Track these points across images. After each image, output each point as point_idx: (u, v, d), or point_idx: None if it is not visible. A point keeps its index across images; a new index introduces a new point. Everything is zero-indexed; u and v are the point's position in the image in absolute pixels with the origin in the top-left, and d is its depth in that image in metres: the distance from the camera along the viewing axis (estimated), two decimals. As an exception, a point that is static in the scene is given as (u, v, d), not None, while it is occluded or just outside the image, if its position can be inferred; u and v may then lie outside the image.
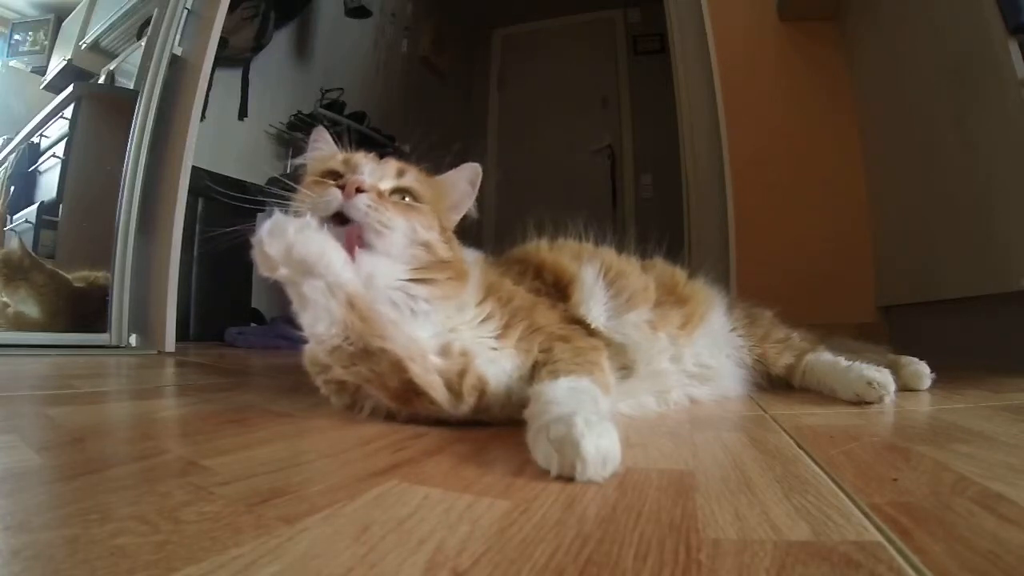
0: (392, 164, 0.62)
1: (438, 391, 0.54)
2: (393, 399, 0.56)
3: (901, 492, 0.36)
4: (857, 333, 1.09)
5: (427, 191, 0.63)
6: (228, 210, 2.25)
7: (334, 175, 0.60)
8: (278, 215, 0.51)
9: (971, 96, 1.31)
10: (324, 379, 0.63)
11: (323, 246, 0.50)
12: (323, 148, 0.68)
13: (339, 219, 0.55)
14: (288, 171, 2.79)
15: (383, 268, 0.56)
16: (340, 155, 0.63)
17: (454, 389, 0.55)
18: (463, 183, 0.67)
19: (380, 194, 0.58)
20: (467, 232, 0.70)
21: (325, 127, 0.71)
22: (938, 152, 1.47)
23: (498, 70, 4.38)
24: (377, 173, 0.60)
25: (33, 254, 1.88)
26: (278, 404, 0.72)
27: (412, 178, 0.62)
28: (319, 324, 0.51)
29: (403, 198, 0.60)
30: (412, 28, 3.77)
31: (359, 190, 0.55)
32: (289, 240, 0.49)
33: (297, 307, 0.53)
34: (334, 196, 0.55)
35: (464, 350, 0.57)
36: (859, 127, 1.90)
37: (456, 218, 0.68)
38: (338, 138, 0.69)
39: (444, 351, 0.57)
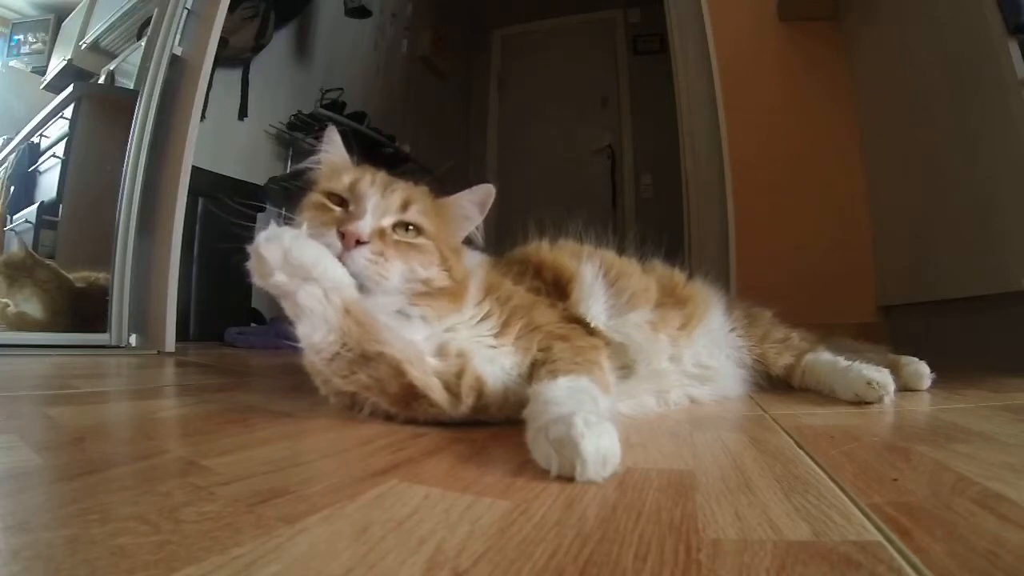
0: (398, 196, 0.60)
1: (437, 392, 0.54)
2: (393, 404, 0.56)
3: (901, 492, 0.36)
4: (857, 333, 1.09)
5: (431, 221, 0.61)
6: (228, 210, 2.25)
7: (339, 199, 0.59)
8: (273, 226, 0.51)
9: (971, 96, 1.31)
10: (323, 380, 0.63)
11: (318, 252, 0.51)
12: (331, 152, 0.67)
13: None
14: (288, 172, 2.79)
15: (379, 303, 0.56)
16: (347, 177, 0.61)
17: (452, 390, 0.55)
18: (471, 206, 0.66)
19: (381, 232, 0.57)
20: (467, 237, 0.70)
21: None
22: (938, 152, 1.47)
23: (498, 70, 4.38)
24: (380, 208, 0.58)
25: (35, 253, 1.88)
26: (278, 404, 0.72)
27: (416, 211, 0.60)
28: (316, 333, 0.51)
29: (407, 229, 0.59)
30: (412, 28, 3.77)
31: (358, 242, 0.55)
32: (286, 245, 0.49)
33: (292, 318, 0.53)
34: (333, 242, 0.54)
35: (461, 351, 0.57)
36: (859, 127, 1.90)
37: (461, 236, 0.67)
38: (349, 143, 0.68)
39: (441, 352, 0.57)
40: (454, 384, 0.55)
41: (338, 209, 0.59)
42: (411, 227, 0.60)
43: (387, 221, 0.58)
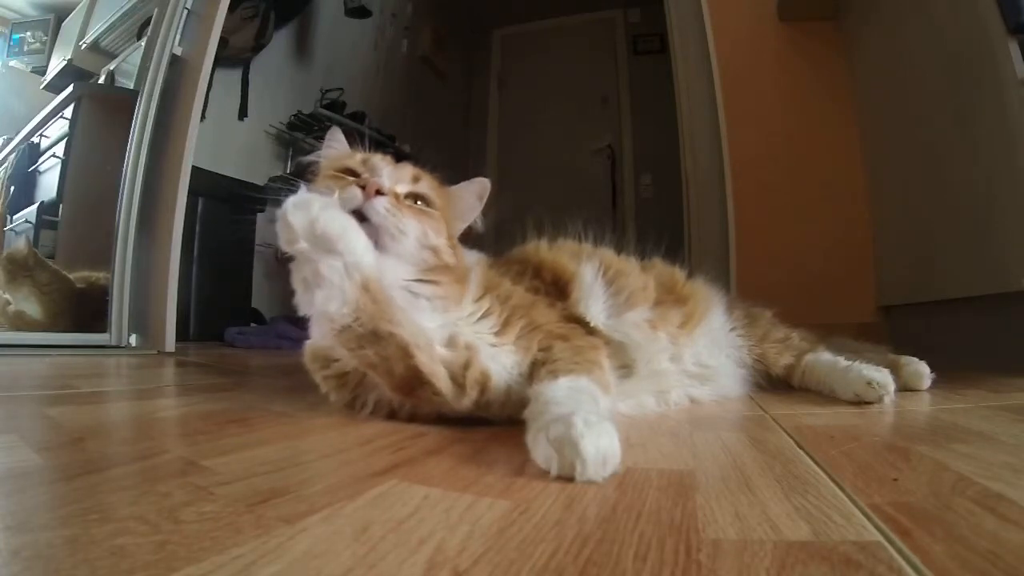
0: (409, 169, 0.63)
1: (442, 381, 0.54)
2: (396, 388, 0.56)
3: (901, 492, 0.36)
4: (857, 333, 1.09)
5: (438, 198, 0.64)
6: (227, 210, 2.25)
7: (351, 173, 0.61)
8: (303, 191, 0.52)
9: (971, 96, 1.31)
10: (324, 375, 0.63)
11: (345, 225, 0.50)
12: (337, 148, 0.69)
13: (355, 216, 0.55)
14: (291, 170, 2.79)
15: (392, 269, 0.56)
16: (359, 155, 0.64)
17: (458, 381, 0.55)
18: (471, 196, 0.69)
19: (397, 197, 0.59)
20: (466, 232, 0.70)
21: (325, 129, 0.72)
22: (938, 152, 1.47)
23: (498, 70, 4.37)
24: (394, 176, 0.61)
25: (38, 253, 1.88)
26: (278, 404, 0.72)
27: (426, 185, 0.63)
28: (331, 303, 0.51)
29: (416, 202, 0.61)
30: (412, 28, 3.77)
31: (379, 192, 0.56)
32: (313, 215, 0.49)
33: (310, 283, 0.52)
34: (354, 195, 0.55)
35: (469, 343, 0.57)
36: (859, 127, 1.90)
37: (461, 227, 0.69)
38: (353, 140, 0.69)
39: (450, 342, 0.57)
40: (460, 375, 0.55)
41: (352, 179, 0.59)
42: (420, 200, 0.62)
43: (401, 188, 0.60)
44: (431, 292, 0.59)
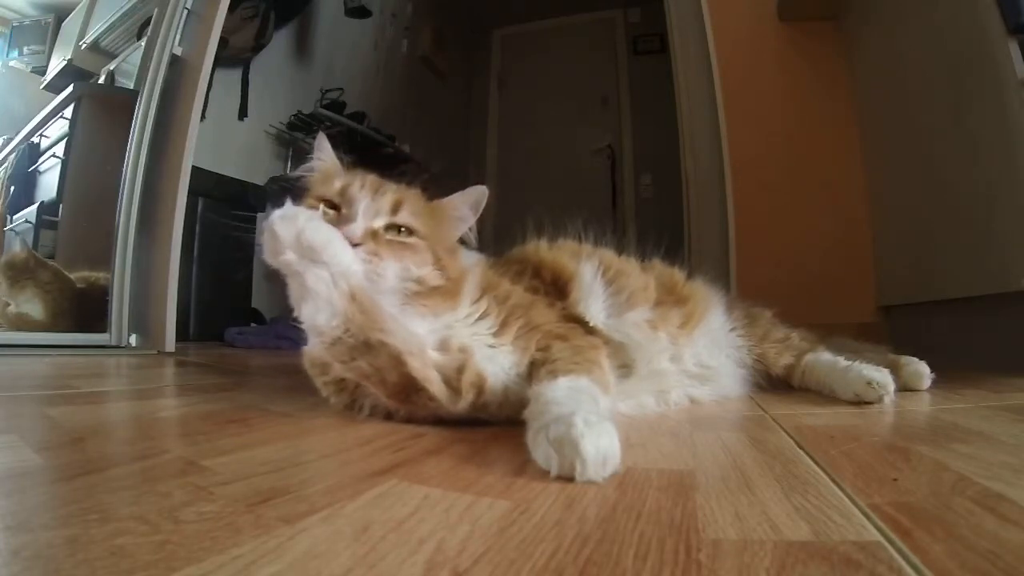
0: (388, 197, 0.60)
1: (436, 386, 0.54)
2: (392, 396, 0.56)
3: (901, 492, 0.36)
4: (857, 333, 1.09)
5: (423, 223, 0.61)
6: (228, 211, 2.25)
7: (331, 204, 0.60)
8: (289, 205, 0.52)
9: (971, 96, 1.31)
10: (324, 380, 0.63)
11: (331, 236, 0.51)
12: (323, 159, 0.67)
13: None
14: (288, 172, 2.79)
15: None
16: (338, 182, 0.61)
17: (452, 385, 0.55)
18: (464, 207, 0.66)
19: (374, 233, 0.58)
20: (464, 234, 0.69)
21: (325, 129, 0.71)
22: (938, 152, 1.47)
23: (498, 70, 4.38)
24: (372, 210, 0.58)
25: (36, 254, 1.88)
26: (278, 404, 0.72)
27: (408, 213, 0.60)
28: (320, 315, 0.51)
29: (400, 231, 0.59)
30: (412, 28, 3.77)
31: (352, 244, 0.55)
32: (299, 226, 0.50)
33: (298, 298, 0.53)
34: None
35: (463, 346, 0.57)
36: (859, 127, 1.90)
37: (455, 236, 0.67)
38: (337, 142, 0.68)
39: (443, 346, 0.57)
40: (454, 379, 0.55)
41: (331, 212, 0.59)
42: (403, 228, 0.60)
43: (378, 223, 0.58)
44: (418, 312, 0.58)
